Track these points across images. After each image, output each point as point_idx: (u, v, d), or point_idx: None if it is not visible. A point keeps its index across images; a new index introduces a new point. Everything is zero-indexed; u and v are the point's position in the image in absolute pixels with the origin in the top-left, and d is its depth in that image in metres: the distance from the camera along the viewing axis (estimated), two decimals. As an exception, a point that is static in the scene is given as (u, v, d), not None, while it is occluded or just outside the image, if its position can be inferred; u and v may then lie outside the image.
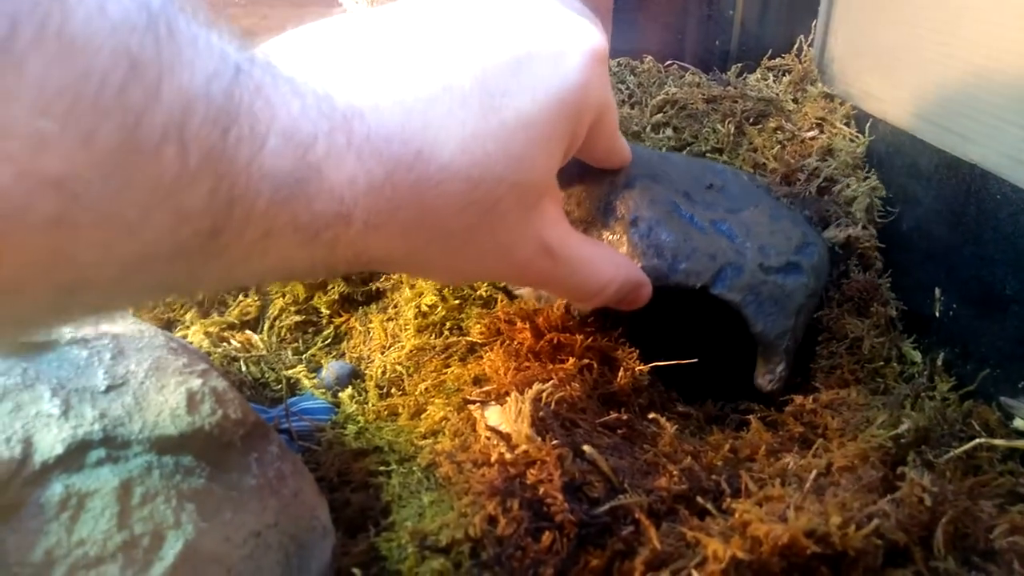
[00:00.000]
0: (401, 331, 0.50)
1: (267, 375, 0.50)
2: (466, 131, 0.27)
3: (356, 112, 0.24)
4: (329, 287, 0.54)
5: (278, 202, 0.22)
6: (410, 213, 0.26)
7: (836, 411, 0.41)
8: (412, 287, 0.52)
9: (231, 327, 0.53)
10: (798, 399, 0.43)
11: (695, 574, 0.28)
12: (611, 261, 0.38)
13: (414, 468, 0.39)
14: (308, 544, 0.32)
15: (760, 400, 0.45)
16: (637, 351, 0.44)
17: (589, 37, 0.32)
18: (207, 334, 0.51)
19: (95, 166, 0.17)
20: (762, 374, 0.44)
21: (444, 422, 0.41)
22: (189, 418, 0.31)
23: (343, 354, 0.52)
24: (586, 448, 0.33)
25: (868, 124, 0.58)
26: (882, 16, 0.58)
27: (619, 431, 0.38)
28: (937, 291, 0.48)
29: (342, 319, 0.54)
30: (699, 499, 0.32)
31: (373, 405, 0.46)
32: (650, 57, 0.72)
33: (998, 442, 0.37)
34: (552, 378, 0.40)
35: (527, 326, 0.45)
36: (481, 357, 0.45)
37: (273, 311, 0.54)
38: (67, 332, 0.33)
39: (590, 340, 0.44)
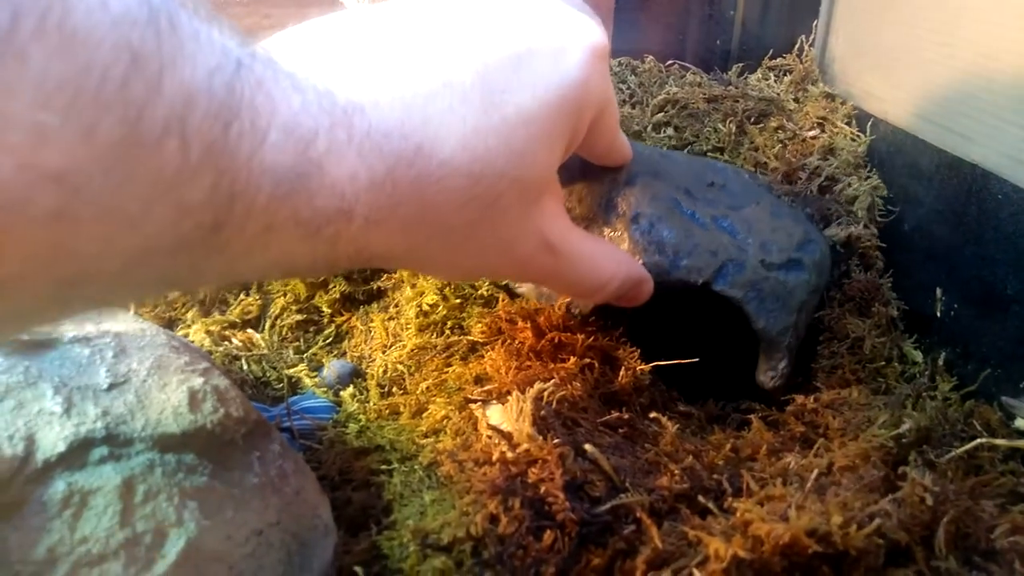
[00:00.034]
0: (402, 330, 0.50)
1: (268, 374, 0.50)
2: (467, 127, 0.27)
3: (357, 108, 0.24)
4: (330, 286, 0.54)
5: (279, 197, 0.22)
6: (411, 209, 0.26)
7: (837, 411, 0.41)
8: (413, 286, 0.52)
9: (232, 326, 0.53)
10: (799, 399, 0.43)
11: (696, 573, 0.28)
12: (612, 257, 0.38)
13: (415, 467, 0.39)
14: (310, 542, 0.32)
15: (761, 400, 0.45)
16: (638, 350, 0.44)
17: (590, 33, 0.32)
18: (208, 333, 0.51)
19: (96, 160, 0.17)
20: (764, 371, 0.44)
21: (445, 421, 0.41)
22: (191, 416, 0.31)
23: (344, 353, 0.52)
24: (587, 447, 0.33)
25: (869, 124, 0.58)
26: (883, 16, 0.58)
27: (620, 430, 0.38)
28: (938, 291, 0.48)
29: (343, 318, 0.54)
30: (700, 498, 0.32)
31: (374, 404, 0.46)
32: (651, 57, 0.72)
33: (999, 442, 0.37)
34: (553, 377, 0.40)
35: (528, 325, 0.45)
36: (482, 356, 0.45)
37: (274, 310, 0.54)
38: (69, 331, 0.33)
39: (591, 339, 0.44)
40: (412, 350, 0.48)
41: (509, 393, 0.38)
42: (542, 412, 0.36)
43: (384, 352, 0.50)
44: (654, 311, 0.42)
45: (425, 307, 0.50)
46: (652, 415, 0.39)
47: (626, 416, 0.39)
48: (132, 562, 0.26)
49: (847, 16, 0.64)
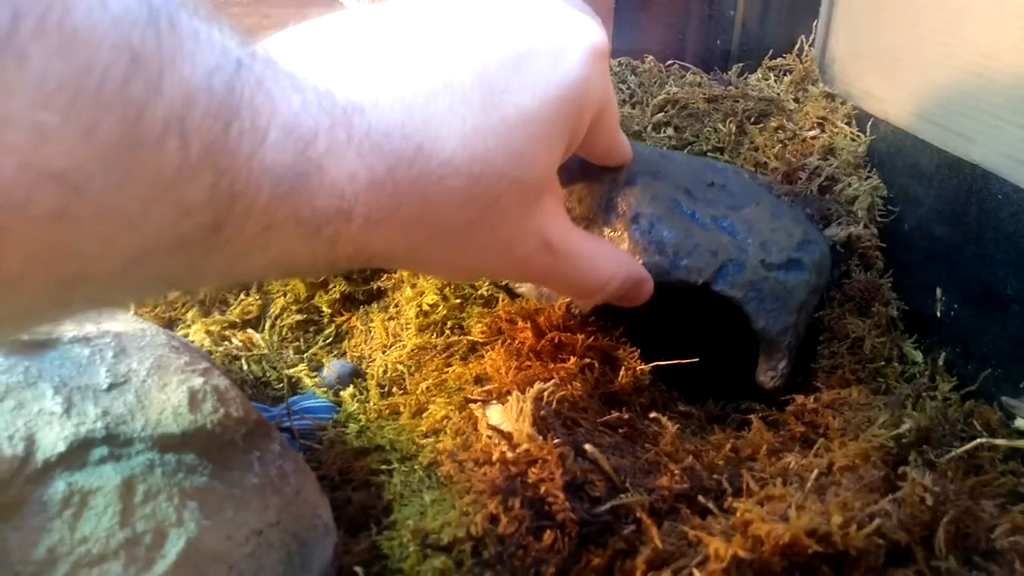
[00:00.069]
0: (402, 330, 0.50)
1: (268, 374, 0.50)
2: (467, 127, 0.27)
3: (356, 108, 0.24)
4: (330, 286, 0.54)
5: (279, 196, 0.22)
6: (411, 209, 0.26)
7: (837, 411, 0.41)
8: (413, 286, 0.52)
9: (232, 326, 0.53)
10: (799, 399, 0.43)
11: (696, 573, 0.28)
12: (612, 257, 0.38)
13: (415, 467, 0.39)
14: (310, 542, 0.32)
15: (761, 400, 0.45)
16: (638, 350, 0.44)
17: (590, 33, 0.32)
18: (208, 333, 0.51)
19: (97, 159, 0.17)
20: (764, 371, 0.44)
21: (445, 421, 0.41)
22: (191, 416, 0.31)
23: (344, 353, 0.52)
24: (587, 447, 0.33)
25: (869, 124, 0.58)
26: (883, 16, 0.58)
27: (620, 430, 0.38)
28: (938, 291, 0.48)
29: (343, 318, 0.54)
30: (700, 498, 0.32)
31: (374, 404, 0.46)
32: (651, 57, 0.72)
33: (999, 442, 0.37)
34: (553, 377, 0.40)
35: (528, 325, 0.45)
36: (482, 356, 0.45)
37: (274, 310, 0.54)
38: (69, 331, 0.33)
39: (591, 339, 0.44)
40: (412, 350, 0.48)
41: (509, 393, 0.38)
42: (542, 412, 0.36)
43: (384, 352, 0.50)
44: (654, 311, 0.42)
45: (425, 307, 0.50)
46: (652, 415, 0.39)
47: (626, 416, 0.39)
48: (132, 562, 0.26)
49: (847, 16, 0.64)
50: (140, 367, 0.33)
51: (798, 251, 0.44)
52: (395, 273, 0.54)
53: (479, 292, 0.51)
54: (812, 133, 0.60)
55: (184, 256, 0.21)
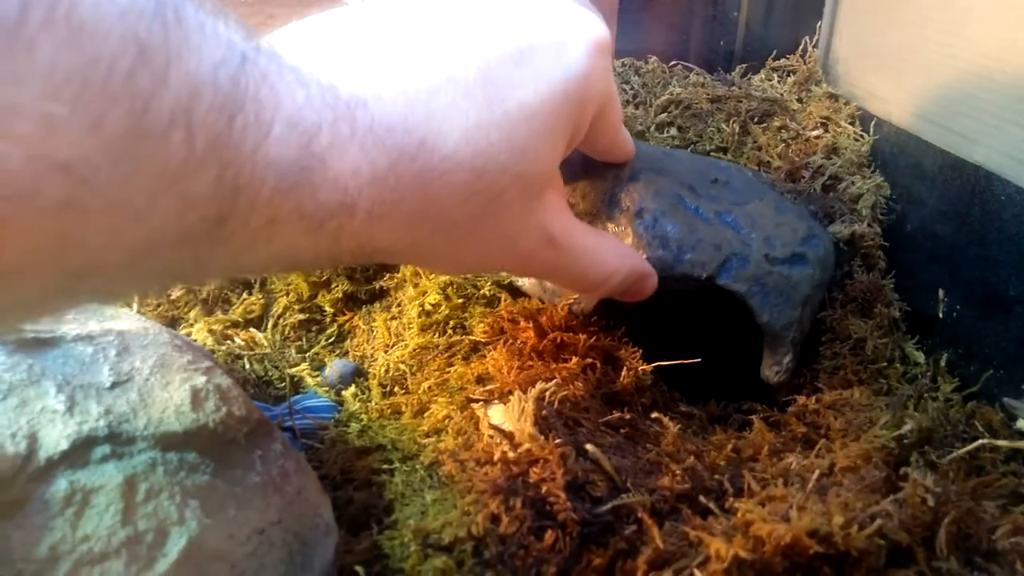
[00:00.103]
0: (404, 330, 0.50)
1: (271, 373, 0.50)
2: (469, 121, 0.27)
3: (360, 102, 0.24)
4: (333, 285, 0.54)
5: (283, 190, 0.22)
6: (414, 203, 0.26)
7: (839, 411, 0.41)
8: (416, 286, 0.52)
9: (235, 325, 0.53)
10: (801, 399, 0.43)
11: (698, 573, 0.28)
12: (615, 251, 0.38)
13: (417, 466, 0.39)
14: (311, 542, 0.32)
15: (763, 400, 0.45)
16: (640, 351, 0.44)
17: (592, 28, 0.32)
18: (211, 332, 0.51)
19: (104, 151, 0.17)
20: (769, 366, 0.44)
21: (447, 421, 0.41)
22: (193, 415, 0.31)
23: (346, 352, 0.52)
24: (589, 447, 0.33)
25: (872, 125, 0.58)
26: (887, 17, 0.58)
27: (622, 430, 0.38)
28: (941, 292, 0.48)
29: (346, 317, 0.54)
30: (702, 498, 0.32)
31: (376, 403, 0.46)
32: (655, 57, 0.72)
33: (1001, 443, 0.37)
34: (555, 377, 0.40)
35: (530, 325, 0.45)
36: (484, 356, 0.45)
37: (277, 309, 0.54)
38: (72, 329, 0.33)
39: (593, 339, 0.44)
40: (414, 349, 0.48)
41: (511, 393, 0.38)
42: (544, 412, 0.36)
43: (386, 351, 0.50)
44: (656, 311, 0.42)
45: (427, 306, 0.50)
46: (654, 415, 0.39)
47: (628, 416, 0.39)
48: (134, 560, 0.26)
49: (851, 17, 0.64)
50: (143, 366, 0.33)
51: (802, 246, 0.44)
52: (397, 272, 0.54)
53: (481, 292, 0.51)
54: (815, 133, 0.60)
55: (189, 249, 0.21)
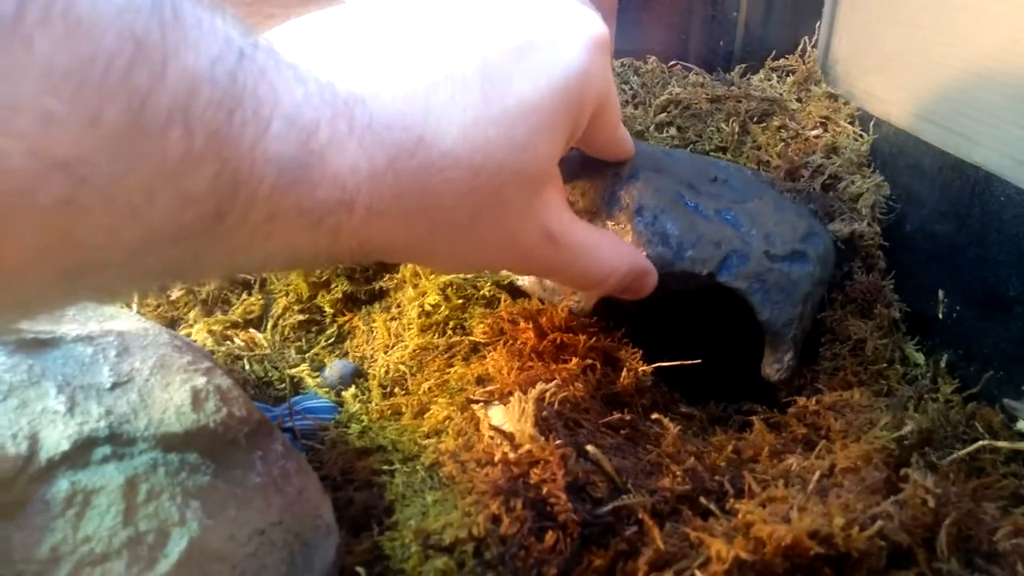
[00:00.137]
0: (404, 330, 0.50)
1: (271, 374, 0.50)
2: (467, 118, 0.27)
3: (358, 99, 0.24)
4: (333, 286, 0.54)
5: (281, 187, 0.22)
6: (412, 200, 0.26)
7: (839, 413, 0.41)
8: (415, 286, 0.52)
9: (235, 325, 0.53)
10: (801, 400, 0.43)
11: (698, 574, 0.28)
12: (616, 248, 0.38)
13: (418, 467, 0.39)
14: (312, 542, 0.32)
15: (763, 401, 0.45)
16: (640, 352, 0.44)
17: (591, 25, 0.32)
18: (211, 332, 0.51)
19: (102, 148, 0.17)
20: (770, 363, 0.44)
21: (447, 421, 0.41)
22: (194, 416, 0.31)
23: (346, 353, 0.52)
24: (589, 448, 0.33)
25: (871, 125, 0.58)
26: (886, 17, 0.58)
27: (622, 431, 0.38)
28: (941, 293, 0.48)
29: (345, 318, 0.54)
30: (702, 500, 0.32)
31: (376, 404, 0.46)
32: (654, 58, 0.72)
33: (1001, 444, 0.37)
34: (555, 378, 0.40)
35: (530, 326, 0.45)
36: (484, 357, 0.45)
37: (277, 310, 0.54)
38: (72, 330, 0.33)
39: (593, 340, 0.44)
40: (414, 350, 0.48)
41: (511, 394, 0.38)
42: (544, 413, 0.36)
43: (386, 352, 0.50)
44: (656, 312, 0.42)
45: (427, 307, 0.50)
46: (654, 416, 0.39)
47: (628, 417, 0.39)
48: (135, 561, 0.26)
49: (850, 17, 0.64)
50: (143, 366, 0.33)
51: (802, 243, 0.44)
52: (397, 273, 0.54)
53: (481, 292, 0.51)
54: (815, 132, 0.60)
55: (187, 246, 0.21)
